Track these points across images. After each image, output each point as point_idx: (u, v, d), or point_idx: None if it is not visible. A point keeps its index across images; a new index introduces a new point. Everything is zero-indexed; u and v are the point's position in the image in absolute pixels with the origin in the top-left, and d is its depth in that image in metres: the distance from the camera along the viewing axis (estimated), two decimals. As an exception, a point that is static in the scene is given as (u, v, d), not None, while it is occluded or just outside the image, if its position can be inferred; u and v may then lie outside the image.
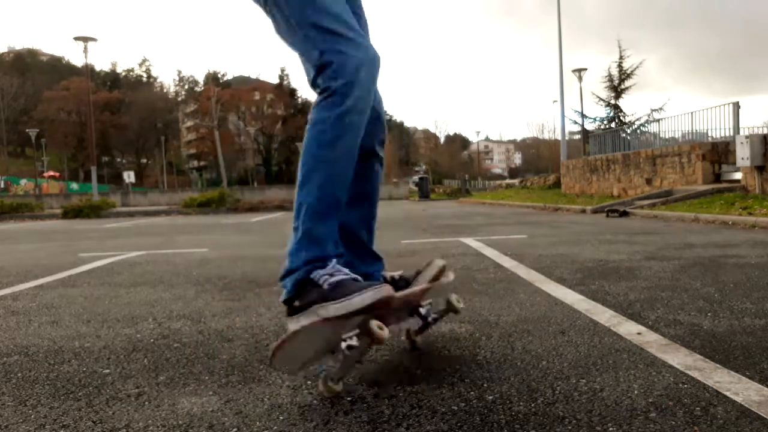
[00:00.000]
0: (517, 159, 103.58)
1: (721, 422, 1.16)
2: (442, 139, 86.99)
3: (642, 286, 2.71)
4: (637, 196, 11.59)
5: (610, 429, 1.15)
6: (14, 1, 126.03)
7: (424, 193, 24.82)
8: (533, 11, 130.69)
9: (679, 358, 1.59)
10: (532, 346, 1.76)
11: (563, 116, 21.27)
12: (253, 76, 79.13)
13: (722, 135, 12.18)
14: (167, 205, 21.95)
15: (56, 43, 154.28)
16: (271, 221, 10.96)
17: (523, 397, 1.34)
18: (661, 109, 23.28)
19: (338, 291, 1.38)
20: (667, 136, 14.75)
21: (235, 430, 1.22)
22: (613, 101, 25.43)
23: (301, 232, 1.49)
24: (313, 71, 1.50)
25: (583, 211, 10.19)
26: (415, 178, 33.39)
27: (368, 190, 1.75)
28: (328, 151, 1.47)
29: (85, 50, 21.68)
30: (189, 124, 76.87)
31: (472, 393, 1.38)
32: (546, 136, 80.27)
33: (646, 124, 21.65)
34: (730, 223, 6.49)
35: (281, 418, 1.28)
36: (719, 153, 11.52)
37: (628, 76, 25.12)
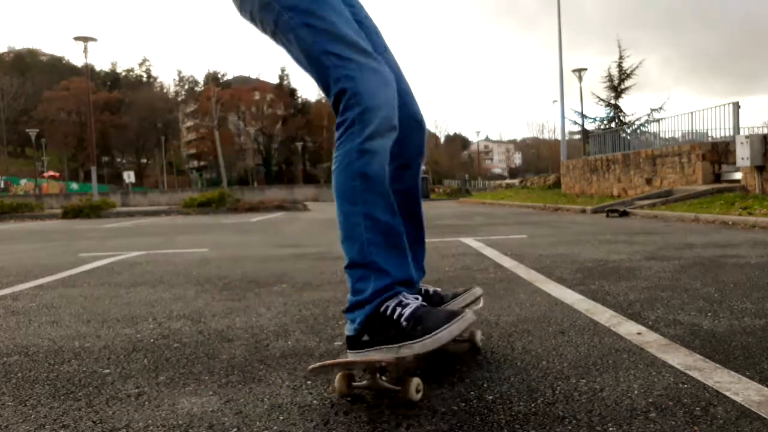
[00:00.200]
0: (517, 159, 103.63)
1: (721, 422, 1.16)
2: (442, 139, 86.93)
3: (642, 286, 2.71)
4: (637, 196, 11.60)
5: (610, 429, 1.15)
6: (14, 1, 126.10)
7: (424, 193, 24.66)
8: (533, 11, 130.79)
9: (679, 358, 1.59)
10: (532, 346, 1.76)
11: (563, 116, 21.28)
12: (253, 76, 79.24)
13: (722, 135, 12.19)
14: (167, 205, 21.95)
15: (56, 43, 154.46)
16: (271, 221, 10.96)
17: (523, 397, 1.34)
18: (661, 109, 23.35)
19: (418, 329, 1.32)
20: (667, 136, 14.76)
21: (235, 430, 1.22)
22: (613, 101, 25.46)
23: (365, 267, 1.42)
24: (331, 100, 1.47)
25: (583, 211, 10.19)
26: (416, 178, 33.36)
27: (413, 200, 1.72)
28: (360, 182, 1.41)
29: (85, 50, 21.69)
30: (189, 124, 76.90)
31: (472, 393, 1.38)
32: (546, 136, 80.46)
33: (646, 124, 21.66)
34: (730, 223, 6.50)
35: (281, 418, 1.28)
36: (719, 153, 11.52)
37: (628, 76, 25.15)
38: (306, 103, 77.72)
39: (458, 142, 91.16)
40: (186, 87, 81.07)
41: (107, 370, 1.67)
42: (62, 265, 4.47)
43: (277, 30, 1.51)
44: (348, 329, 1.44)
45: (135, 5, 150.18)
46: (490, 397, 1.35)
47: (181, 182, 69.41)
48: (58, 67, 78.90)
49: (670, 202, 9.70)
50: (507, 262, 3.69)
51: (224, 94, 61.99)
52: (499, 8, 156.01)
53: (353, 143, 1.41)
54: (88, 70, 26.19)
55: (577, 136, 27.88)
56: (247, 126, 70.20)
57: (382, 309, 1.38)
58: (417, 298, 1.41)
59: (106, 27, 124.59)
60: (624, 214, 8.88)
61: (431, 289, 1.75)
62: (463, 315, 1.35)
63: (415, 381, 1.32)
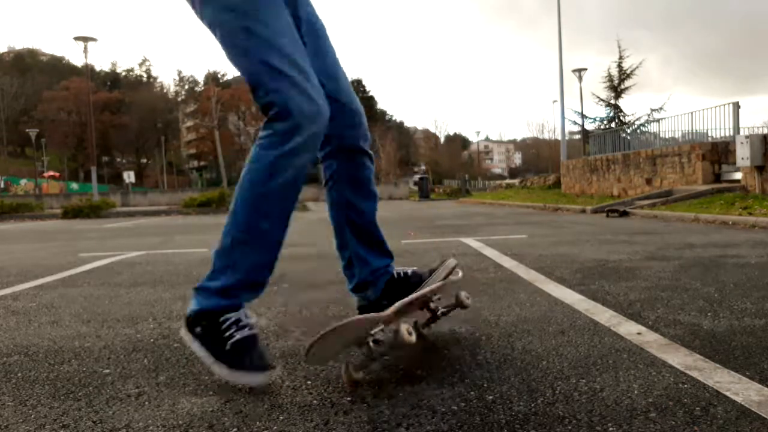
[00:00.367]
0: (517, 159, 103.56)
1: (721, 422, 1.16)
2: (442, 139, 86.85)
3: (642, 286, 2.71)
4: (637, 196, 11.59)
5: (610, 429, 1.15)
6: (14, 1, 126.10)
7: (424, 193, 24.83)
8: (533, 11, 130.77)
9: (679, 358, 1.59)
10: (532, 346, 1.76)
11: (563, 116, 21.27)
12: (253, 76, 79.01)
13: (722, 135, 12.18)
14: (167, 205, 21.95)
15: (56, 43, 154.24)
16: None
17: (523, 397, 1.34)
18: (661, 109, 23.33)
19: (238, 358, 1.49)
20: (667, 136, 14.75)
21: (235, 430, 1.22)
22: (613, 101, 25.44)
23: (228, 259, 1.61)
24: (258, 104, 1.48)
25: (583, 211, 10.19)
26: (416, 177, 33.43)
27: (365, 187, 1.78)
28: (263, 188, 1.49)
29: (85, 50, 21.69)
30: (189, 124, 76.86)
31: (472, 393, 1.38)
32: (546, 136, 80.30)
33: (646, 124, 21.65)
34: (730, 223, 6.50)
35: (281, 418, 1.28)
36: (719, 153, 11.52)
37: (628, 76, 25.13)
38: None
39: (458, 142, 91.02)
40: (186, 87, 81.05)
41: (107, 370, 1.67)
42: (62, 265, 4.47)
43: (213, 26, 1.50)
44: (190, 306, 1.56)
45: (135, 5, 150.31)
46: (490, 397, 1.35)
47: (181, 182, 69.38)
48: (58, 67, 78.85)
49: (670, 202, 9.70)
50: (507, 262, 3.69)
51: (224, 94, 61.91)
52: (499, 8, 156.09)
53: (273, 151, 1.46)
54: (88, 70, 26.18)
55: (577, 136, 27.88)
56: (247, 126, 70.14)
57: (221, 319, 1.50)
58: (253, 328, 1.54)
59: (106, 27, 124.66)
60: (624, 214, 8.88)
61: (409, 270, 1.83)
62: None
63: None
